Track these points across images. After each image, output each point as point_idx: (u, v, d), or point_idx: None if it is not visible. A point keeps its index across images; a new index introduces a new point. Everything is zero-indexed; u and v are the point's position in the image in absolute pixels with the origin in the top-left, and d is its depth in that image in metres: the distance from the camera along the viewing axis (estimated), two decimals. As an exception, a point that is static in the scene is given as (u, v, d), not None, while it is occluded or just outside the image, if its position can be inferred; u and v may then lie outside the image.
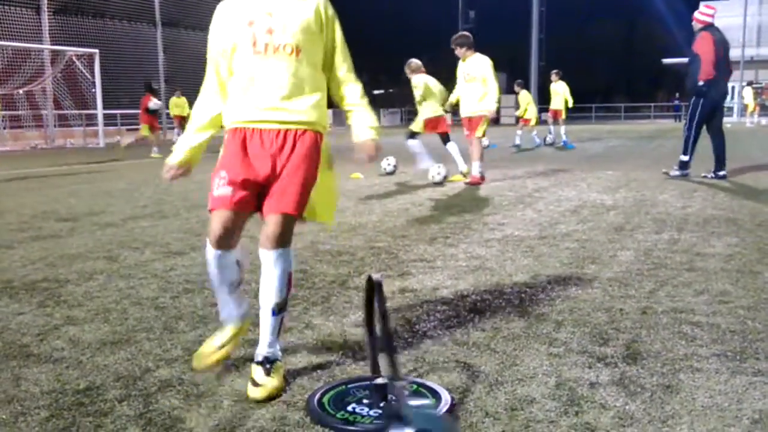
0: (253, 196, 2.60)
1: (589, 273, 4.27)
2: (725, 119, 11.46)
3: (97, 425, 2.28)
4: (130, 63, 28.39)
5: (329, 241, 5.41)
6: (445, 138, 10.27)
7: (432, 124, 10.14)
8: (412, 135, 10.31)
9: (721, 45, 9.48)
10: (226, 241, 2.62)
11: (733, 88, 43.90)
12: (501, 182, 9.66)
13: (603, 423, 2.25)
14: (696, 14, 9.77)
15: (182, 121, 24.05)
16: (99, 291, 4.02)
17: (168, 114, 24.69)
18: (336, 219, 2.66)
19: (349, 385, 2.56)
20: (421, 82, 10.09)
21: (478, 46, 9.54)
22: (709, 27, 9.62)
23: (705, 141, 9.70)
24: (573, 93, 18.89)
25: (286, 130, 2.59)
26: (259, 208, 2.63)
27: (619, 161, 12.28)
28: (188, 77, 28.79)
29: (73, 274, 4.46)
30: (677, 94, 46.78)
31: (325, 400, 2.43)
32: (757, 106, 34.35)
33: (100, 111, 23.92)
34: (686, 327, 3.19)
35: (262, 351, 2.61)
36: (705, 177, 9.58)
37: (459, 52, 9.46)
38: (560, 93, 18.71)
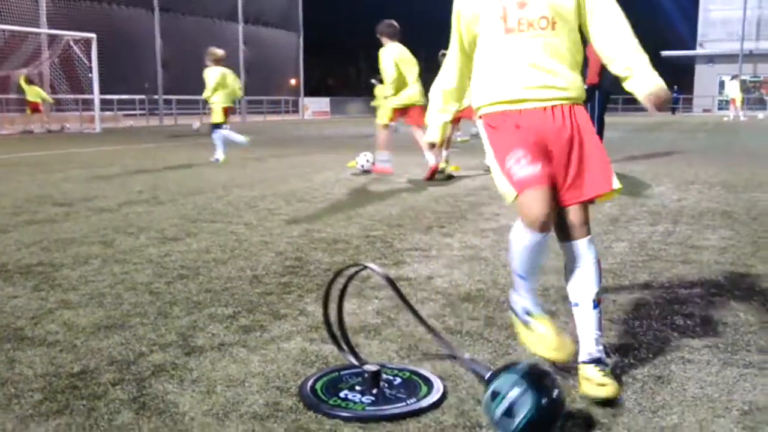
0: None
1: (584, 264, 4.27)
2: (722, 113, 12.29)
3: (90, 408, 2.29)
4: (128, 48, 28.24)
5: (324, 229, 5.42)
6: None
7: (227, 112, 11.33)
8: (217, 126, 11.31)
9: None
10: (550, 222, 2.41)
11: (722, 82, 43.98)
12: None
13: (594, 412, 2.26)
14: None
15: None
16: (94, 275, 4.02)
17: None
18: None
19: (342, 372, 2.57)
20: (218, 72, 11.06)
21: None
22: None
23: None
24: None
25: (553, 107, 2.44)
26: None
27: (615, 153, 12.25)
28: (185, 63, 28.71)
29: (68, 258, 4.46)
30: (675, 87, 46.76)
31: (318, 386, 2.44)
32: (743, 100, 34.13)
33: (96, 96, 23.78)
34: (679, 319, 3.21)
35: (591, 350, 2.43)
36: None
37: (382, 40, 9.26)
38: None
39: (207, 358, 2.74)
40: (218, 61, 11.21)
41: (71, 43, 24.08)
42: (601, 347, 2.46)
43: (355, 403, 2.33)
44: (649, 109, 2.41)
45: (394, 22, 9.25)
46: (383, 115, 9.43)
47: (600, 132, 10.62)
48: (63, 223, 5.72)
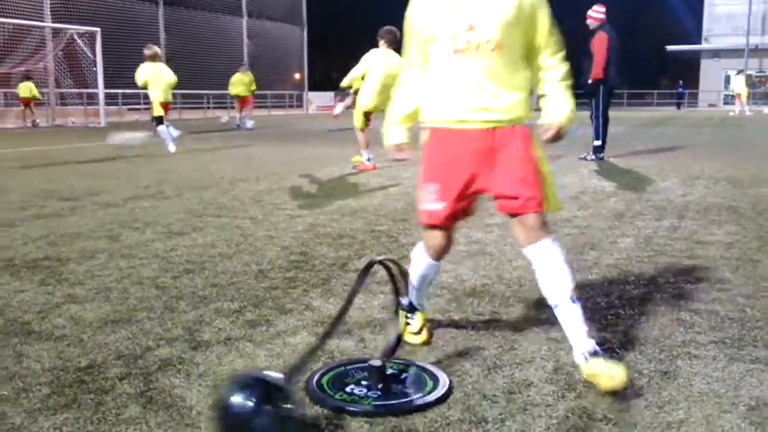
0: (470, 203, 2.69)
1: (589, 259, 4.27)
2: (727, 107, 12.38)
3: (98, 403, 2.30)
4: (132, 42, 28.20)
5: (330, 224, 5.42)
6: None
7: (166, 106, 12.16)
8: (160, 121, 12.04)
9: (614, 42, 10.38)
10: (442, 254, 2.73)
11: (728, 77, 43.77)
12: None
13: (600, 407, 2.26)
14: (590, 13, 10.50)
15: (244, 102, 21.15)
16: (100, 270, 4.03)
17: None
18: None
19: (348, 367, 2.57)
20: (148, 68, 11.83)
21: None
22: (604, 25, 10.43)
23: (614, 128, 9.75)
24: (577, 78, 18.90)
25: (494, 128, 2.51)
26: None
27: (620, 148, 12.25)
28: (189, 57, 28.69)
29: (75, 252, 4.47)
30: (681, 82, 46.57)
31: (324, 381, 2.45)
32: (749, 95, 33.90)
33: (101, 90, 23.80)
34: (685, 314, 3.20)
35: (584, 347, 2.44)
36: (584, 158, 10.53)
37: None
38: None
39: (213, 352, 2.75)
40: (152, 58, 11.90)
41: (75, 37, 24.08)
42: (591, 339, 2.46)
43: (361, 397, 2.33)
44: (543, 135, 2.56)
45: (395, 30, 9.26)
46: (357, 120, 9.48)
47: (604, 127, 10.64)
48: (69, 218, 5.73)
